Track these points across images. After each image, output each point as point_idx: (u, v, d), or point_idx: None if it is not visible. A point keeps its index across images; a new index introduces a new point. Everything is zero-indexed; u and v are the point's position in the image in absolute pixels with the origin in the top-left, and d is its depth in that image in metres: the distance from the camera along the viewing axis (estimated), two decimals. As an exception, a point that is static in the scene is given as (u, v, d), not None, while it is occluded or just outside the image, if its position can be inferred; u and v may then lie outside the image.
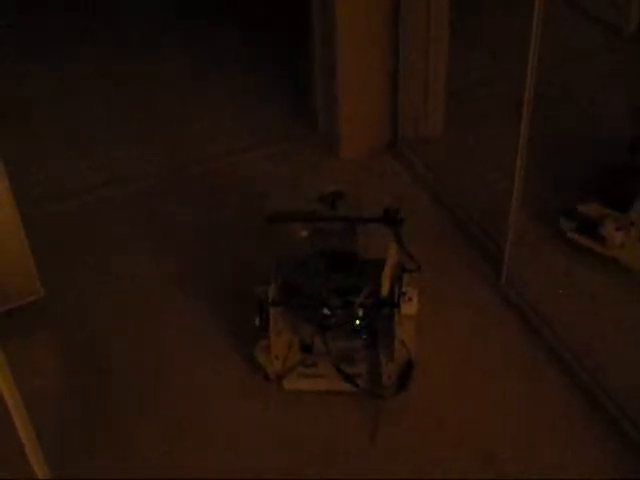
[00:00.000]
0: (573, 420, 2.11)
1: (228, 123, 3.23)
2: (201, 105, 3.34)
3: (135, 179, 2.97)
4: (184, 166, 3.04)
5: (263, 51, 3.64)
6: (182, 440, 2.10)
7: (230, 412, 2.16)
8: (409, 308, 2.12)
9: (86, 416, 2.16)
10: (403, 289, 2.10)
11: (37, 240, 2.37)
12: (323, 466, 2.02)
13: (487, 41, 3.38)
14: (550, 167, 2.45)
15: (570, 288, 2.44)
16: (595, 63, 3.36)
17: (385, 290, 2.07)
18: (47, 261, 2.43)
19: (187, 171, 3.02)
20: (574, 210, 2.55)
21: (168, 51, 3.70)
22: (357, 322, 2.14)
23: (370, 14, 2.75)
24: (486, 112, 3.07)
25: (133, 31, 3.84)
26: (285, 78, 3.43)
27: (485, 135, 2.97)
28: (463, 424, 2.11)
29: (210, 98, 3.38)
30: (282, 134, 3.17)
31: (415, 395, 2.13)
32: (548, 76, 2.18)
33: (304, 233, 2.11)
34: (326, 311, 2.12)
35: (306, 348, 2.18)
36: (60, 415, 2.15)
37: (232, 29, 3.81)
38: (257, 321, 2.12)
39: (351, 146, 2.98)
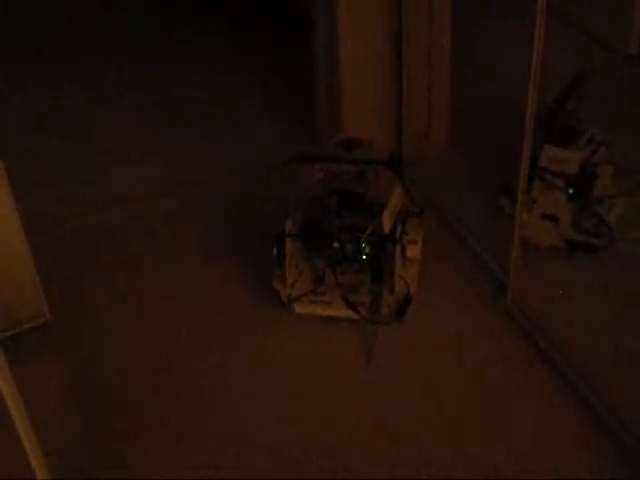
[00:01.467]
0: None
1: (231, 145, 3.25)
2: (204, 124, 3.37)
3: (137, 200, 2.99)
4: (188, 183, 3.07)
5: (269, 71, 3.66)
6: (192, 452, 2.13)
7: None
8: (413, 250, 2.38)
9: (92, 440, 2.17)
10: (407, 231, 2.35)
11: (44, 264, 2.39)
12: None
13: (487, 59, 3.39)
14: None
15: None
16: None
17: (387, 227, 2.30)
18: (54, 285, 2.45)
19: (190, 187, 3.04)
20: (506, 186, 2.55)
21: (168, 66, 3.74)
22: (363, 257, 2.33)
23: (373, 34, 2.79)
24: (488, 130, 3.08)
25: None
26: (289, 98, 3.45)
27: (487, 152, 2.98)
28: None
29: (214, 118, 3.41)
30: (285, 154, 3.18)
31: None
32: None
33: (320, 174, 2.35)
34: (336, 245, 2.33)
35: (318, 279, 2.39)
36: (66, 438, 2.16)
37: (236, 56, 3.84)
38: (275, 252, 2.35)
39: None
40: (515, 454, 2.07)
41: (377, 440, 2.11)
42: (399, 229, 2.33)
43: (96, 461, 2.09)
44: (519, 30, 2.17)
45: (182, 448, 2.12)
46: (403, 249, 2.34)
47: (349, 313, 2.33)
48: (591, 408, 2.14)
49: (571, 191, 2.52)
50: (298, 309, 2.39)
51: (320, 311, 2.38)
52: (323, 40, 2.88)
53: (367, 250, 2.33)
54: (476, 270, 2.61)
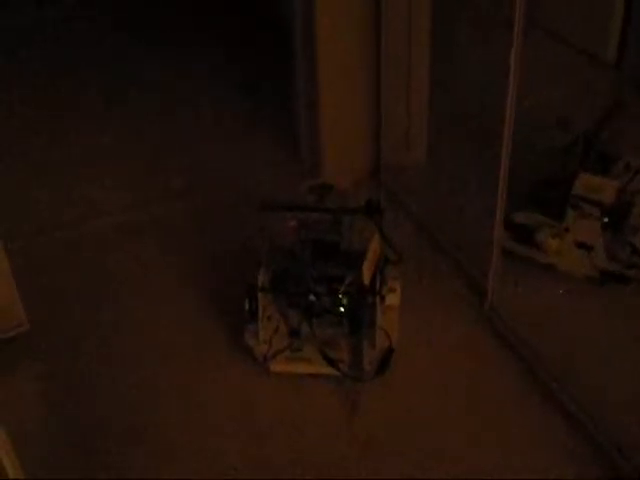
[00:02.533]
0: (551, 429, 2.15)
1: (209, 152, 3.25)
2: (184, 131, 3.38)
3: (118, 211, 2.98)
4: (170, 193, 3.06)
5: (247, 80, 3.67)
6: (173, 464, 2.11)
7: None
8: (392, 299, 2.29)
9: (71, 451, 2.14)
10: (386, 280, 2.26)
11: (22, 273, 2.36)
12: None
13: (466, 70, 3.41)
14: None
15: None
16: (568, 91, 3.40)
17: (366, 279, 2.18)
18: (32, 294, 2.42)
19: (172, 199, 3.04)
20: (509, 219, 2.55)
21: (152, 76, 3.74)
22: (341, 309, 2.23)
23: (352, 44, 2.79)
24: (467, 139, 3.09)
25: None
26: (268, 108, 3.45)
27: (467, 162, 2.98)
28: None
29: (193, 125, 3.41)
30: (265, 162, 3.19)
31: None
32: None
33: (292, 223, 2.24)
34: (312, 297, 2.23)
35: (293, 333, 2.28)
36: (44, 450, 2.13)
37: (216, 58, 3.85)
38: (246, 305, 2.26)
39: (333, 175, 2.97)
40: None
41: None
42: (378, 279, 2.21)
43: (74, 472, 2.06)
44: (499, 40, 2.18)
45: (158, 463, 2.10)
46: (382, 298, 2.25)
47: (329, 370, 2.22)
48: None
49: (606, 220, 2.49)
50: (274, 367, 2.26)
51: (298, 369, 2.26)
52: (302, 54, 2.89)
53: (345, 302, 2.23)
54: (457, 280, 2.61)
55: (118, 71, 3.82)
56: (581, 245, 2.52)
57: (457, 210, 2.79)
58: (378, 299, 2.20)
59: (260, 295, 2.23)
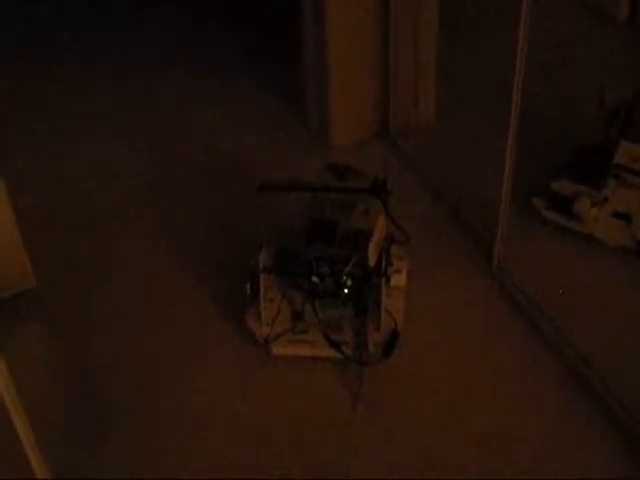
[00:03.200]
0: (560, 398, 2.14)
1: (218, 114, 3.22)
2: (194, 98, 3.33)
3: (131, 173, 2.96)
4: (183, 158, 3.03)
5: (251, 38, 3.63)
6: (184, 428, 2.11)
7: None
8: (398, 280, 2.25)
9: (78, 409, 2.16)
10: (392, 260, 2.20)
11: (31, 229, 2.36)
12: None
13: (476, 27, 3.37)
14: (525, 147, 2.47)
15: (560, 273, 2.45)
16: (583, 50, 3.36)
17: (372, 260, 2.12)
18: (40, 251, 2.42)
19: (187, 162, 3.01)
20: (547, 188, 2.55)
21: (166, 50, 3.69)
22: (345, 291, 2.16)
23: (361, 5, 2.75)
24: (478, 98, 3.07)
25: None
26: (275, 67, 3.41)
27: (477, 122, 2.97)
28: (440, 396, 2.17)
29: (201, 89, 3.37)
30: (272, 122, 3.17)
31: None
32: (535, 61, 2.18)
33: (300, 202, 2.17)
34: (315, 279, 2.15)
35: (296, 315, 2.22)
36: (51, 409, 2.14)
37: (217, 16, 3.80)
38: (248, 288, 2.19)
39: (341, 134, 2.97)
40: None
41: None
42: (384, 260, 2.16)
43: (79, 440, 2.07)
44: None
45: (173, 424, 2.11)
46: (387, 279, 2.20)
47: (332, 353, 2.17)
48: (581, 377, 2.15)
49: None
50: (276, 350, 2.21)
51: (301, 352, 2.21)
52: (309, 10, 2.84)
53: (349, 284, 2.15)
54: (465, 239, 2.60)
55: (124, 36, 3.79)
56: (620, 215, 2.51)
57: (467, 170, 2.77)
58: (383, 280, 2.14)
59: (262, 276, 2.16)
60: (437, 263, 2.50)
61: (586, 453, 2.00)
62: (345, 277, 2.13)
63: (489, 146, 2.50)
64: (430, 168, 2.85)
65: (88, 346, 2.31)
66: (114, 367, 2.24)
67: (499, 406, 2.12)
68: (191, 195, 2.86)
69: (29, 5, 3.91)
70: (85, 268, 2.56)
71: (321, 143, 3.00)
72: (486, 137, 2.70)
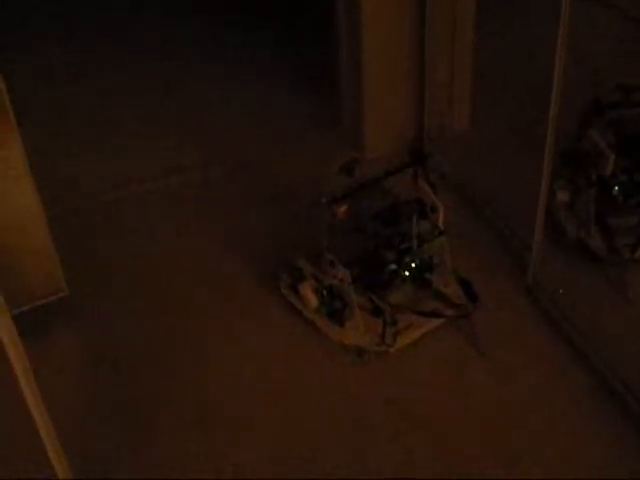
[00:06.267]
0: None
1: (254, 120, 3.23)
2: (228, 104, 3.34)
3: (157, 176, 2.98)
4: (213, 161, 3.05)
5: (289, 49, 3.64)
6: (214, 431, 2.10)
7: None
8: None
9: (107, 416, 2.16)
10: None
11: (63, 238, 2.37)
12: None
13: (513, 34, 3.32)
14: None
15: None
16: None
17: (441, 222, 2.23)
18: (72, 260, 2.43)
19: (218, 166, 3.02)
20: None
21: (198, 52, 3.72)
22: (406, 273, 2.26)
23: (396, 11, 2.74)
24: (513, 107, 3.02)
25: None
26: (311, 75, 3.42)
27: (512, 130, 2.93)
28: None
29: (237, 95, 3.38)
30: (307, 131, 3.16)
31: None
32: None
33: (343, 208, 2.17)
34: (392, 266, 2.23)
35: (376, 312, 2.25)
36: (80, 416, 2.15)
37: (259, 28, 3.82)
38: (338, 305, 2.24)
39: (376, 143, 2.95)
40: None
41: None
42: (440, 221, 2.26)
43: (109, 446, 2.07)
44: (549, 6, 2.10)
45: (199, 431, 2.10)
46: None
47: (434, 323, 2.27)
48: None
49: None
50: (395, 348, 2.23)
51: (414, 335, 2.26)
52: (345, 21, 2.84)
53: (414, 264, 2.26)
54: (499, 251, 2.56)
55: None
56: None
57: (501, 179, 2.73)
58: (444, 239, 2.25)
59: (349, 289, 2.19)
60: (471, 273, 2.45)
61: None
62: (408, 258, 2.23)
63: (524, 155, 2.50)
64: (463, 176, 2.82)
65: (119, 353, 2.32)
66: (145, 375, 2.25)
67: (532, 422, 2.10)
68: (225, 199, 2.85)
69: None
70: (115, 276, 2.57)
71: (356, 152, 2.95)
72: (521, 145, 2.70)
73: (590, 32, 2.29)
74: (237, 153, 3.07)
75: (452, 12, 2.75)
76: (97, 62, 3.66)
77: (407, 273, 2.26)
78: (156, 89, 3.48)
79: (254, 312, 2.41)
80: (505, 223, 2.62)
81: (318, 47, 3.28)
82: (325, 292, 2.25)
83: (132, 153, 3.11)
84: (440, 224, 2.25)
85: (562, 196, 2.42)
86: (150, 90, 3.48)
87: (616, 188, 2.37)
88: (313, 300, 2.28)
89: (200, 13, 4.04)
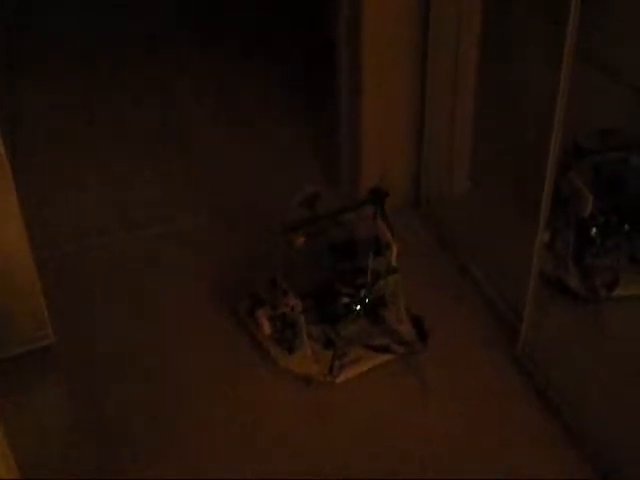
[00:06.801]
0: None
1: (250, 173, 3.22)
2: (226, 151, 3.34)
3: (152, 221, 2.97)
4: (206, 208, 3.04)
5: (289, 103, 3.63)
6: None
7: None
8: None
9: (93, 465, 2.12)
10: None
11: (49, 283, 2.35)
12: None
13: (512, 98, 3.34)
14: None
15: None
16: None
17: (394, 260, 2.29)
18: (59, 306, 2.41)
19: (210, 213, 3.01)
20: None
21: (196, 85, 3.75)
22: (357, 307, 2.33)
23: (396, 71, 2.74)
24: (510, 170, 3.01)
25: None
26: (310, 131, 3.41)
27: (509, 194, 2.91)
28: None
29: (237, 145, 3.38)
30: (302, 177, 3.13)
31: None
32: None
33: (301, 239, 2.23)
34: (346, 300, 2.31)
35: (328, 343, 2.33)
36: (65, 462, 2.11)
37: (264, 78, 3.82)
38: (288, 334, 2.32)
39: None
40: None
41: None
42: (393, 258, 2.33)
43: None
44: (550, 70, 2.11)
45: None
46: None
47: (382, 358, 2.33)
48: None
49: None
50: (339, 379, 2.29)
51: (358, 370, 2.31)
52: (346, 78, 2.84)
53: (370, 297, 2.33)
54: (488, 317, 2.53)
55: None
56: None
57: (495, 244, 2.71)
58: (397, 276, 2.31)
59: (300, 319, 2.27)
60: (457, 336, 2.47)
61: None
62: (363, 292, 2.30)
63: (521, 220, 2.49)
64: (458, 240, 2.81)
65: (106, 400, 2.29)
66: (132, 424, 2.22)
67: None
68: (220, 243, 2.84)
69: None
70: (103, 321, 2.54)
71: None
72: (519, 210, 2.68)
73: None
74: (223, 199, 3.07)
75: (454, 73, 2.75)
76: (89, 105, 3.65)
77: (359, 307, 2.32)
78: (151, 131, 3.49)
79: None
80: (496, 290, 2.60)
81: (320, 101, 3.28)
82: (278, 320, 2.33)
83: (120, 197, 3.10)
84: (394, 262, 2.31)
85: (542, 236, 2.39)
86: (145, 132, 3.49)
87: (594, 229, 2.49)
88: (266, 327, 2.36)
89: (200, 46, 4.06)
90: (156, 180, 3.17)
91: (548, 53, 2.10)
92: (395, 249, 2.29)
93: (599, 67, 3.13)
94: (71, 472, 2.09)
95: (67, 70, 3.82)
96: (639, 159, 2.56)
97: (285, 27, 4.10)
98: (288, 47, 3.92)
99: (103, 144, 3.37)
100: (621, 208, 2.55)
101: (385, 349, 2.32)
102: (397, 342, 2.34)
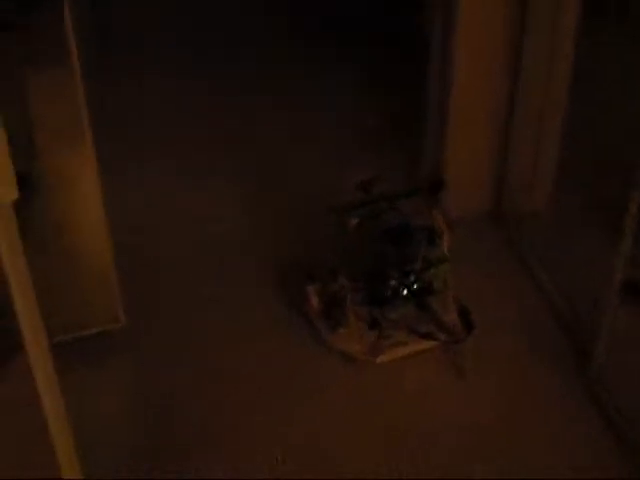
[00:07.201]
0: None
1: (331, 175, 3.21)
2: (300, 149, 3.35)
3: (225, 216, 3.00)
4: (274, 203, 3.07)
5: (371, 104, 3.62)
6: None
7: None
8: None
9: (151, 448, 2.15)
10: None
11: (124, 267, 2.39)
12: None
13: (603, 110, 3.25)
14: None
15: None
16: None
17: (446, 249, 2.31)
18: (131, 289, 2.45)
19: (279, 210, 3.03)
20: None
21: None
22: (405, 292, 2.32)
23: (487, 83, 2.72)
24: (591, 187, 2.94)
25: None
26: (396, 125, 3.40)
27: (590, 213, 2.87)
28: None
29: (313, 145, 3.39)
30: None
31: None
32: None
33: (354, 221, 2.27)
34: (394, 284, 2.31)
35: (373, 324, 2.35)
36: (124, 444, 2.16)
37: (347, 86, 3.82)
38: (337, 311, 2.38)
39: (452, 207, 2.88)
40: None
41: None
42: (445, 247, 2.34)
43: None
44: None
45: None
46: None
47: (425, 345, 2.35)
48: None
49: None
50: (380, 360, 2.33)
51: (400, 353, 2.34)
52: (435, 89, 2.84)
53: (418, 283, 2.33)
54: (559, 337, 2.48)
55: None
56: None
57: (571, 263, 2.65)
58: (447, 266, 2.32)
59: (349, 297, 2.32)
60: (528, 356, 2.42)
61: None
62: (413, 277, 2.30)
63: (599, 238, 2.48)
64: (535, 256, 2.75)
65: (173, 386, 2.32)
66: (193, 405, 2.27)
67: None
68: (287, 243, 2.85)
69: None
70: (172, 308, 2.59)
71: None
72: (597, 228, 2.64)
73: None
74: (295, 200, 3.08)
75: (545, 83, 2.70)
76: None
77: (407, 292, 2.32)
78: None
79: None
80: (572, 311, 2.54)
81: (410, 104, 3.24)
82: (327, 298, 2.41)
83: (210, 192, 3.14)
84: (446, 251, 2.32)
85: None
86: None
87: None
88: (315, 303, 2.45)
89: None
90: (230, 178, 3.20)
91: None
92: (448, 239, 2.31)
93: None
94: (127, 455, 2.14)
95: (160, 75, 3.89)
96: None
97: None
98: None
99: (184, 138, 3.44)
100: None
101: (429, 336, 2.35)
102: (442, 330, 2.36)
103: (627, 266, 2.25)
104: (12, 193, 1.36)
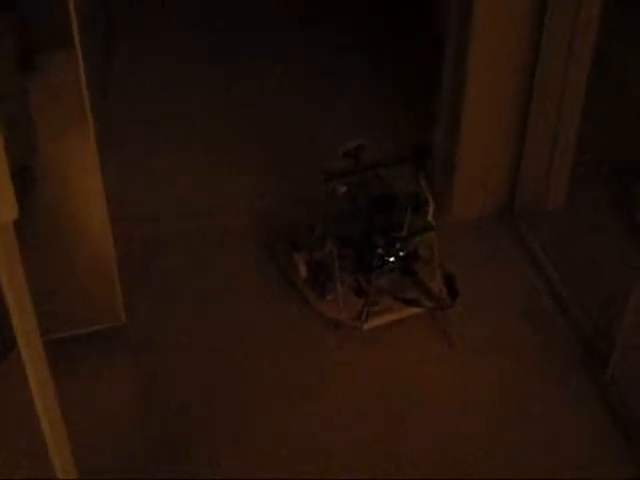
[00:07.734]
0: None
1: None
2: (314, 147, 3.24)
3: (226, 209, 2.95)
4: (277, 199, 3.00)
5: (380, 103, 3.55)
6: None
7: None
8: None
9: (151, 447, 2.12)
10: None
11: (125, 264, 2.33)
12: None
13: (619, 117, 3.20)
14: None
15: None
16: None
17: (430, 217, 2.33)
18: (132, 287, 2.40)
19: (281, 205, 2.96)
20: None
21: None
22: (392, 259, 2.34)
23: (503, 78, 2.68)
24: (607, 188, 2.90)
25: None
26: (408, 114, 3.34)
27: (606, 213, 2.81)
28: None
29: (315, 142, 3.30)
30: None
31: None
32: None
33: (342, 189, 2.31)
34: (380, 251, 2.31)
35: (359, 292, 2.38)
36: (124, 442, 2.13)
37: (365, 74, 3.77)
38: (322, 278, 2.41)
39: (464, 205, 2.86)
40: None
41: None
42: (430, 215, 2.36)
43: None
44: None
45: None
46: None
47: (411, 311, 2.38)
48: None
49: None
50: (367, 326, 2.36)
51: (387, 319, 2.37)
52: (450, 80, 2.78)
53: (403, 250, 2.34)
54: (574, 339, 2.43)
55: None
56: None
57: (587, 264, 2.61)
58: (433, 234, 2.36)
59: (336, 265, 2.34)
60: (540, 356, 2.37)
61: None
62: (398, 244, 2.32)
63: (615, 239, 2.46)
64: (547, 255, 2.70)
65: (171, 384, 2.29)
66: (194, 410, 2.23)
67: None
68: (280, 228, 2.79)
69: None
70: (174, 305, 2.54)
71: (443, 210, 2.81)
72: (614, 230, 2.62)
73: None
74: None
75: (562, 82, 2.65)
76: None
77: (393, 259, 2.32)
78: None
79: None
80: (587, 314, 2.47)
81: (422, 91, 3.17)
82: (314, 265, 2.43)
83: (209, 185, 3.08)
84: (430, 218, 2.33)
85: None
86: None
87: None
88: (303, 270, 2.46)
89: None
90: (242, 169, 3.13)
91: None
92: (432, 206, 2.32)
93: None
94: (129, 453, 2.10)
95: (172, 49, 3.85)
96: None
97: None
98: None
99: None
100: None
101: (414, 302, 2.37)
102: (427, 297, 2.38)
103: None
104: (12, 213, 1.32)
